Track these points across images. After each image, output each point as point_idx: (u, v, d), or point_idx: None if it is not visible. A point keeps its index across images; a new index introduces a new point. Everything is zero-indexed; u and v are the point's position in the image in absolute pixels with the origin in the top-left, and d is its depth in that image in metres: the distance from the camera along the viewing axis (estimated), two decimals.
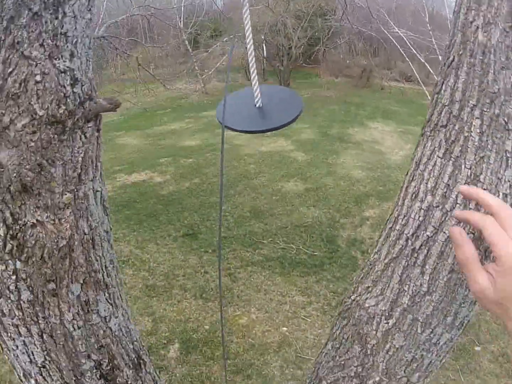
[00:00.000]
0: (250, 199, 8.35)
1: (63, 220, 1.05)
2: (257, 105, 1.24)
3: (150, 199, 8.40)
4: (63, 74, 0.96)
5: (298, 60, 22.89)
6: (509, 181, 0.93)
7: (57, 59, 0.95)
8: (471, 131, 0.93)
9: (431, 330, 1.08)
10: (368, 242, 6.80)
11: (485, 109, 0.91)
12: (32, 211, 1.02)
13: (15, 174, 0.97)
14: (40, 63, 0.93)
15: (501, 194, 0.94)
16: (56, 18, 0.94)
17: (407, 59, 22.11)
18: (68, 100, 0.98)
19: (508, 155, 0.92)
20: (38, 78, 0.93)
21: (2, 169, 0.96)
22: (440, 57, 21.38)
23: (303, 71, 23.52)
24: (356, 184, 9.11)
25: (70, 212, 1.06)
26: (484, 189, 0.92)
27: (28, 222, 1.02)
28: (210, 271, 5.96)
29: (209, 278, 5.81)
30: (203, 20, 23.21)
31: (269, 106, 1.26)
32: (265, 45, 23.74)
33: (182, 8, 20.69)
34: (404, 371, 1.15)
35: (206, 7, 23.70)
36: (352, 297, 1.22)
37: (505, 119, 0.89)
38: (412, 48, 20.81)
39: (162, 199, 8.39)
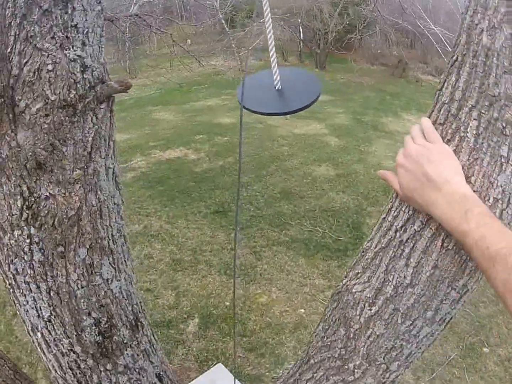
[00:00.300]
0: (281, 181, 8.40)
1: (73, 193, 1.16)
2: (276, 88, 1.28)
3: (183, 176, 8.52)
4: (73, 62, 1.06)
5: (333, 46, 22.73)
6: (501, 186, 0.93)
7: (68, 49, 1.05)
8: (467, 132, 0.94)
9: (411, 322, 1.12)
10: None
11: (483, 111, 0.91)
12: (45, 185, 1.13)
13: (30, 153, 1.08)
14: (51, 53, 1.02)
15: (491, 198, 0.93)
16: (66, 12, 1.04)
17: (442, 55, 21.71)
18: (78, 85, 1.07)
19: (503, 160, 0.92)
20: (50, 67, 1.03)
21: (19, 149, 1.07)
22: None
23: (339, 56, 23.24)
24: None
25: (80, 187, 1.17)
26: (474, 191, 0.93)
27: (42, 195, 1.15)
28: (236, 249, 6.04)
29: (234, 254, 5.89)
30: (238, 1, 23.14)
31: (288, 89, 1.29)
32: (301, 28, 23.59)
33: None
34: (384, 358, 1.20)
35: None
36: (344, 282, 1.27)
37: (503, 124, 0.89)
38: (447, 46, 20.41)
39: (195, 177, 8.50)
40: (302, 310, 5.00)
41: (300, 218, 6.99)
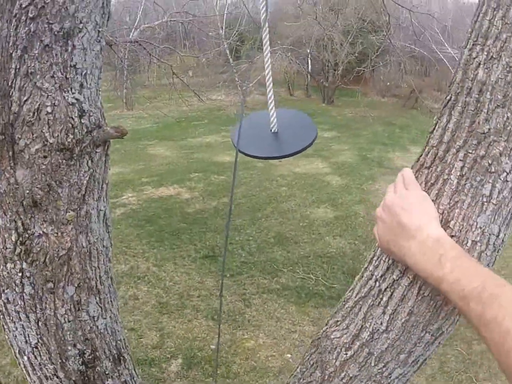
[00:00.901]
0: (276, 224, 8.51)
1: (65, 234, 1.31)
2: (272, 130, 1.35)
3: (174, 216, 8.67)
4: (71, 106, 1.22)
5: (343, 78, 22.87)
6: (480, 227, 0.97)
7: (67, 91, 1.20)
8: (451, 174, 0.99)
9: (383, 364, 1.21)
10: None
11: (470, 151, 0.96)
12: (39, 223, 1.28)
13: (28, 191, 1.22)
14: (51, 94, 1.18)
15: (469, 241, 0.98)
16: (66, 50, 1.18)
17: None
18: (76, 130, 1.23)
19: (484, 199, 0.96)
20: (49, 109, 1.19)
21: (17, 186, 1.22)
22: None
23: (347, 89, 23.54)
24: None
25: (72, 228, 1.31)
26: (452, 236, 0.98)
27: (35, 233, 1.30)
28: (225, 294, 6.14)
29: (223, 301, 5.99)
30: (245, 31, 23.46)
31: (284, 131, 1.36)
32: (310, 59, 23.88)
33: (224, 17, 21.12)
34: None
35: (248, 18, 24.09)
36: (324, 329, 1.39)
37: (489, 161, 0.94)
38: None
39: (187, 217, 8.64)
40: (289, 355, 5.12)
41: (293, 265, 7.11)
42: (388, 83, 23.77)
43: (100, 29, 1.27)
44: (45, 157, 1.20)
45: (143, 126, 17.90)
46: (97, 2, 1.23)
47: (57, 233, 1.29)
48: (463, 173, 0.97)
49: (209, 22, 20.20)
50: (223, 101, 21.08)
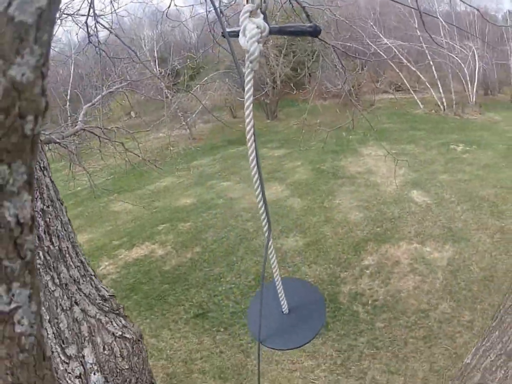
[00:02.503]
0: (252, 264, 9.21)
1: None
2: (284, 312, 1.48)
3: (155, 278, 9.29)
4: None
5: (283, 90, 23.60)
6: None
7: None
8: None
9: None
10: (368, 293, 7.80)
11: None
12: None
13: None
14: None
15: None
16: None
17: (396, 70, 23.29)
18: None
19: None
20: None
21: None
22: (431, 62, 22.49)
23: (289, 99, 24.21)
24: (354, 229, 10.01)
25: None
26: None
27: None
28: (225, 350, 6.88)
29: (224, 357, 6.73)
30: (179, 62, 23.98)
31: (294, 312, 1.48)
32: None
33: (156, 55, 21.64)
34: None
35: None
36: None
37: None
38: (402, 57, 22.02)
39: (167, 277, 9.27)
40: None
41: None
42: (327, 88, 24.58)
43: None
44: None
45: (99, 180, 18.20)
46: None
47: None
48: None
49: (143, 60, 20.77)
50: (170, 137, 21.61)
